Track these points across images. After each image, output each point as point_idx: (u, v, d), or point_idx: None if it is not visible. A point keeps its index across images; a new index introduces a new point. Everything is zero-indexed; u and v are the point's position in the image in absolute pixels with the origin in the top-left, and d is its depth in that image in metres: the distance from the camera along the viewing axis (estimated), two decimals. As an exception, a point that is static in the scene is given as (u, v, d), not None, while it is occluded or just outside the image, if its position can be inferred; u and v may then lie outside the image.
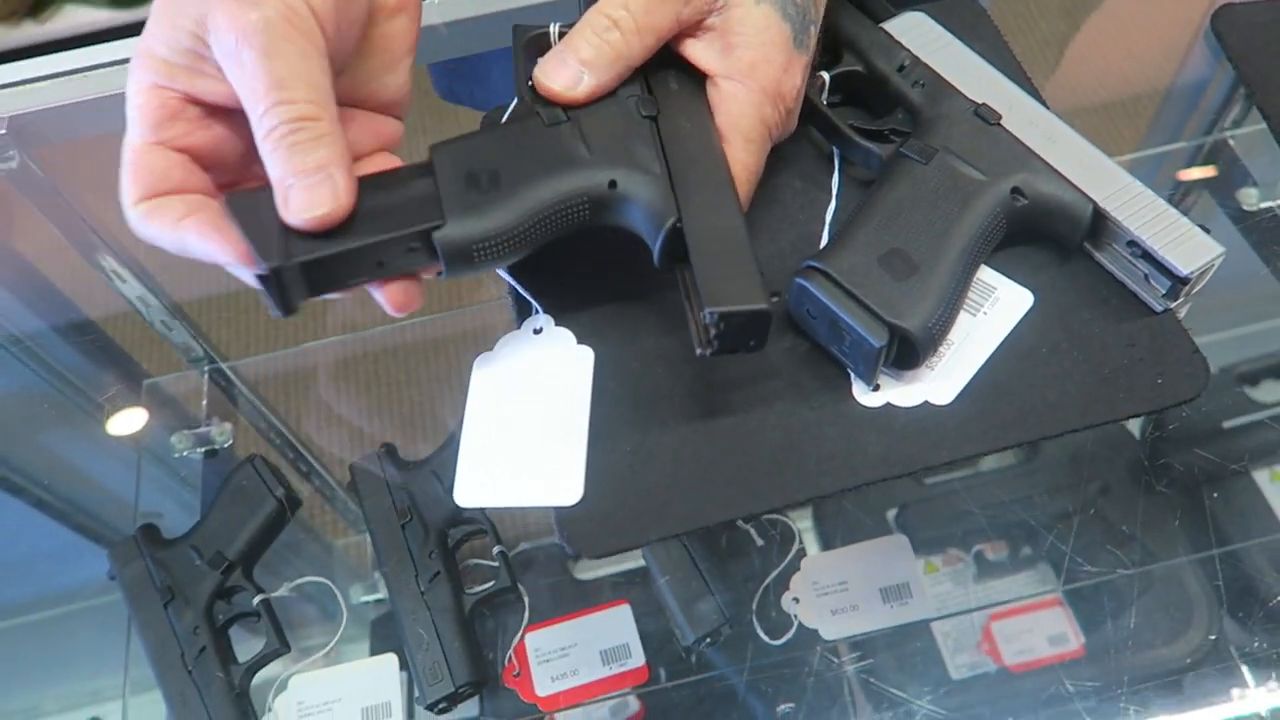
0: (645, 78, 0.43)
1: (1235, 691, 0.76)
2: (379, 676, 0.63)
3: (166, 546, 0.64)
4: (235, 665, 0.61)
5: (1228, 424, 0.87)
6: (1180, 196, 0.83)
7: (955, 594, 0.83)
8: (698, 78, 0.44)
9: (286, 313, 0.39)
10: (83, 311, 0.76)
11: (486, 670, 0.61)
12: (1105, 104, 0.86)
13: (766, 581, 0.63)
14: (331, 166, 0.38)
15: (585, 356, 0.44)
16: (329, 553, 0.78)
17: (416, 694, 0.60)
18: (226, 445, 0.74)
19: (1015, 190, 0.43)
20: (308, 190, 0.38)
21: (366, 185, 0.39)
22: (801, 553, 0.64)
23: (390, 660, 0.64)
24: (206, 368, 0.77)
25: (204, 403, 0.75)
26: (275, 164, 0.38)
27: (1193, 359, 0.41)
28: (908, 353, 0.41)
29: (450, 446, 0.66)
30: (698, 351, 0.39)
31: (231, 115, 0.40)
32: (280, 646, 0.62)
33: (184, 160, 0.40)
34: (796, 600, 0.63)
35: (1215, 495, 0.84)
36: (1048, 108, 0.47)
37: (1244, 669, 0.78)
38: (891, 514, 0.85)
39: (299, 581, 0.66)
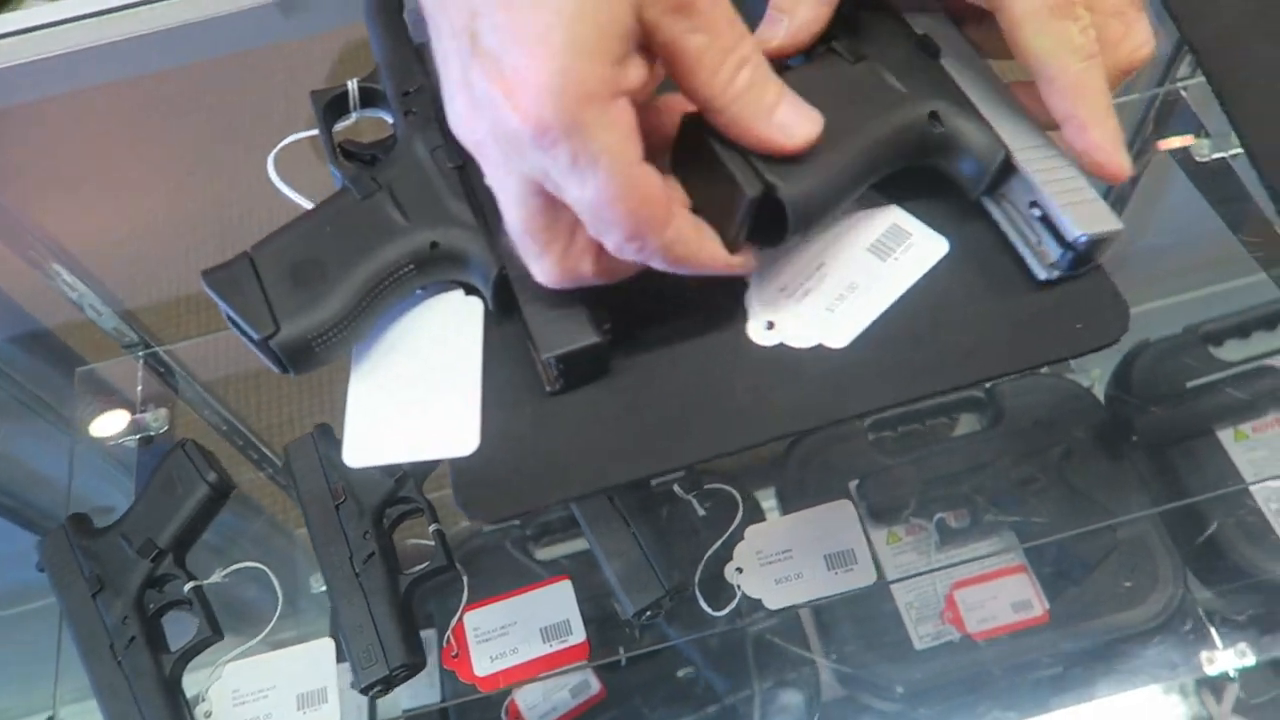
0: (441, 121, 0.41)
1: (1204, 653, 0.75)
2: (314, 662, 0.61)
3: (96, 536, 0.63)
4: (167, 655, 0.60)
5: (1191, 384, 0.86)
6: (1136, 149, 0.82)
7: (918, 563, 0.82)
8: None
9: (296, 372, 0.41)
10: (10, 297, 0.74)
11: (423, 652, 0.60)
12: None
13: (710, 552, 0.62)
14: (788, 92, 0.37)
15: (473, 307, 0.43)
16: (271, 537, 0.76)
17: (351, 678, 0.58)
18: (162, 431, 0.72)
19: (934, 115, 0.41)
20: (794, 113, 0.36)
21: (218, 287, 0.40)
22: (745, 521, 0.63)
23: (326, 645, 0.62)
24: (141, 353, 0.75)
25: (139, 389, 0.73)
26: (746, 105, 0.35)
27: (1114, 302, 0.39)
28: (777, 226, 0.38)
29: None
30: (548, 389, 0.40)
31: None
32: (212, 634, 0.61)
33: (663, 179, 0.35)
34: (740, 570, 0.62)
35: (1179, 456, 0.83)
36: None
37: (1211, 630, 0.78)
38: (854, 484, 0.84)
39: (233, 568, 0.65)
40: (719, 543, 0.62)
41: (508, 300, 0.41)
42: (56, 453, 0.71)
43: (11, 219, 0.67)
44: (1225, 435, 0.84)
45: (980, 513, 0.85)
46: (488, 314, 0.42)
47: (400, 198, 0.42)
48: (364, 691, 0.58)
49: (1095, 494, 0.82)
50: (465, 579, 0.62)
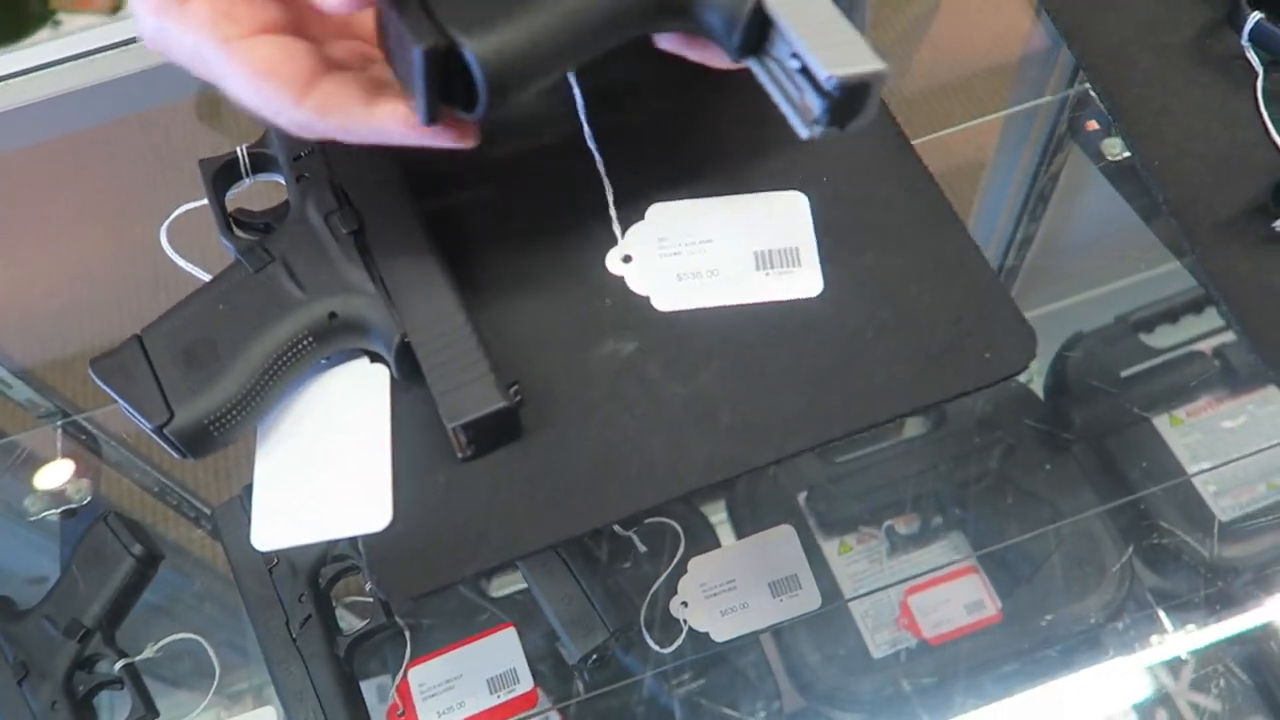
0: (338, 186, 0.42)
1: (1154, 637, 0.76)
2: (256, 733, 0.60)
3: (18, 619, 0.60)
4: (100, 738, 0.58)
5: (1125, 373, 0.87)
6: (1052, 151, 0.82)
7: (870, 571, 0.82)
8: (387, 158, 0.42)
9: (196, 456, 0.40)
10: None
11: (365, 716, 0.58)
12: (973, 66, 0.85)
13: (654, 589, 0.61)
14: None
15: (379, 374, 0.42)
16: (204, 605, 0.74)
17: (296, 749, 0.57)
18: (85, 502, 0.70)
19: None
20: None
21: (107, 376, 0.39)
22: (689, 554, 0.62)
23: (268, 714, 0.61)
24: (59, 422, 0.72)
25: (58, 459, 0.71)
26: None
27: (1020, 329, 0.39)
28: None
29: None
30: (459, 456, 0.40)
31: None
32: (147, 714, 0.59)
33: (293, 45, 0.36)
34: (685, 604, 0.61)
35: (1118, 445, 0.84)
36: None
37: (1161, 614, 0.79)
38: (802, 497, 0.84)
39: (166, 640, 0.63)
40: (661, 578, 0.61)
41: (412, 367, 0.40)
42: (-26, 533, 0.69)
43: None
44: (1161, 421, 0.86)
45: (929, 516, 0.86)
46: (393, 381, 0.41)
47: (295, 268, 0.40)
48: (307, 761, 0.57)
49: (1040, 489, 0.82)
50: (408, 635, 0.61)
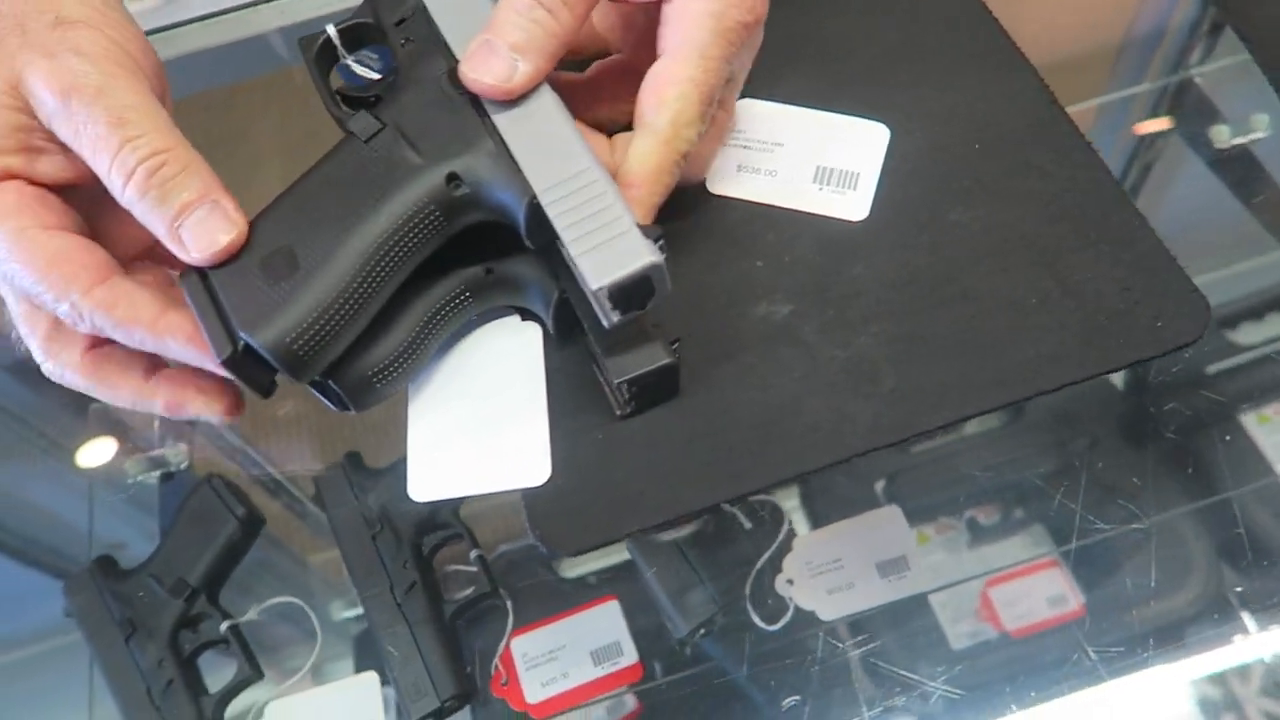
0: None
1: (1237, 638, 0.75)
2: (360, 696, 0.60)
3: (124, 578, 0.61)
4: (206, 697, 0.58)
5: (1211, 369, 0.86)
6: (1150, 139, 0.81)
7: (949, 563, 0.81)
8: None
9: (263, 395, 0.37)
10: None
11: (472, 682, 0.58)
12: (1070, 50, 0.84)
13: (759, 565, 0.61)
14: (213, 193, 0.35)
15: (531, 334, 0.41)
16: (305, 570, 0.74)
17: (400, 713, 0.57)
18: (183, 467, 0.70)
19: (452, 176, 0.36)
20: (200, 223, 0.34)
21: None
22: (792, 533, 0.62)
23: (371, 679, 0.61)
24: (156, 386, 0.73)
25: (155, 424, 0.71)
26: (150, 208, 0.34)
27: (1191, 298, 0.39)
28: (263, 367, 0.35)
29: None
30: (617, 413, 0.38)
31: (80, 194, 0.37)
32: (253, 673, 0.59)
33: (91, 245, 0.36)
34: (790, 582, 0.61)
35: (1203, 442, 0.82)
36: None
37: (1244, 616, 0.77)
38: (880, 485, 0.83)
39: (269, 603, 0.63)
40: (767, 554, 0.60)
41: (569, 324, 0.39)
42: (73, 494, 0.69)
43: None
44: (1248, 419, 0.84)
45: (1010, 508, 0.85)
46: (546, 338, 0.41)
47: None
48: (414, 726, 0.57)
49: (1123, 485, 0.81)
50: (509, 605, 0.61)
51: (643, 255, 0.33)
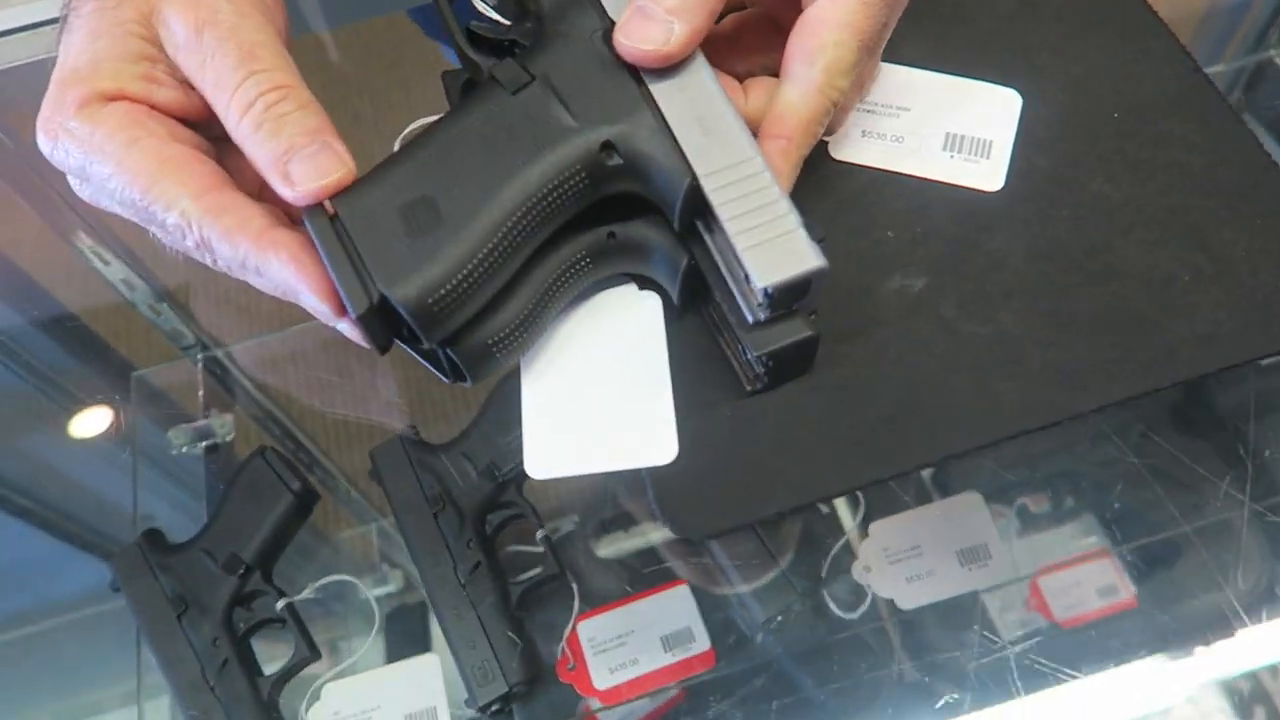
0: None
1: (1286, 633, 0.73)
2: (420, 679, 0.58)
3: (174, 552, 0.58)
4: (262, 678, 0.56)
5: (1267, 361, 0.84)
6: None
7: (1001, 551, 0.80)
8: None
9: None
10: (60, 299, 0.69)
11: (540, 666, 0.56)
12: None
13: (834, 551, 0.59)
14: (326, 133, 0.33)
15: (651, 303, 0.38)
16: (333, 548, 0.72)
17: (466, 697, 0.55)
18: (229, 439, 0.68)
19: (607, 145, 0.34)
20: (310, 159, 0.33)
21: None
22: (869, 518, 0.60)
23: (432, 661, 0.59)
24: (200, 355, 0.70)
25: (200, 393, 0.69)
26: (263, 140, 0.33)
27: (1356, 277, 0.36)
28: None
29: (480, 425, 0.60)
30: (747, 389, 0.36)
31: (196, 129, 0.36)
32: (310, 654, 0.57)
33: (204, 158, 0.35)
34: (868, 569, 0.59)
35: (1259, 434, 0.81)
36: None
37: (1298, 611, 0.76)
38: (928, 472, 0.81)
39: (323, 581, 0.61)
40: (842, 540, 0.59)
41: (694, 293, 0.37)
42: (116, 465, 0.67)
43: (62, 209, 0.62)
44: (1302, 409, 0.82)
45: (1061, 497, 0.83)
46: (667, 309, 0.38)
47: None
48: (482, 710, 0.55)
49: (1177, 475, 0.80)
50: (575, 587, 0.59)
51: (810, 258, 0.32)
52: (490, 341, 0.35)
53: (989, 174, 0.40)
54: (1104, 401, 0.35)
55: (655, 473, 0.35)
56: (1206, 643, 0.77)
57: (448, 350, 0.34)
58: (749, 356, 0.35)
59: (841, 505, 0.62)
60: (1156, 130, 0.40)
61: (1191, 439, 0.82)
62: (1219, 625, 0.77)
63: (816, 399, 0.36)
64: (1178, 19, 0.81)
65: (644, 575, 0.60)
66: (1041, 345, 0.36)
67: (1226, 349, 0.36)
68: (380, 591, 0.72)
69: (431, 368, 0.36)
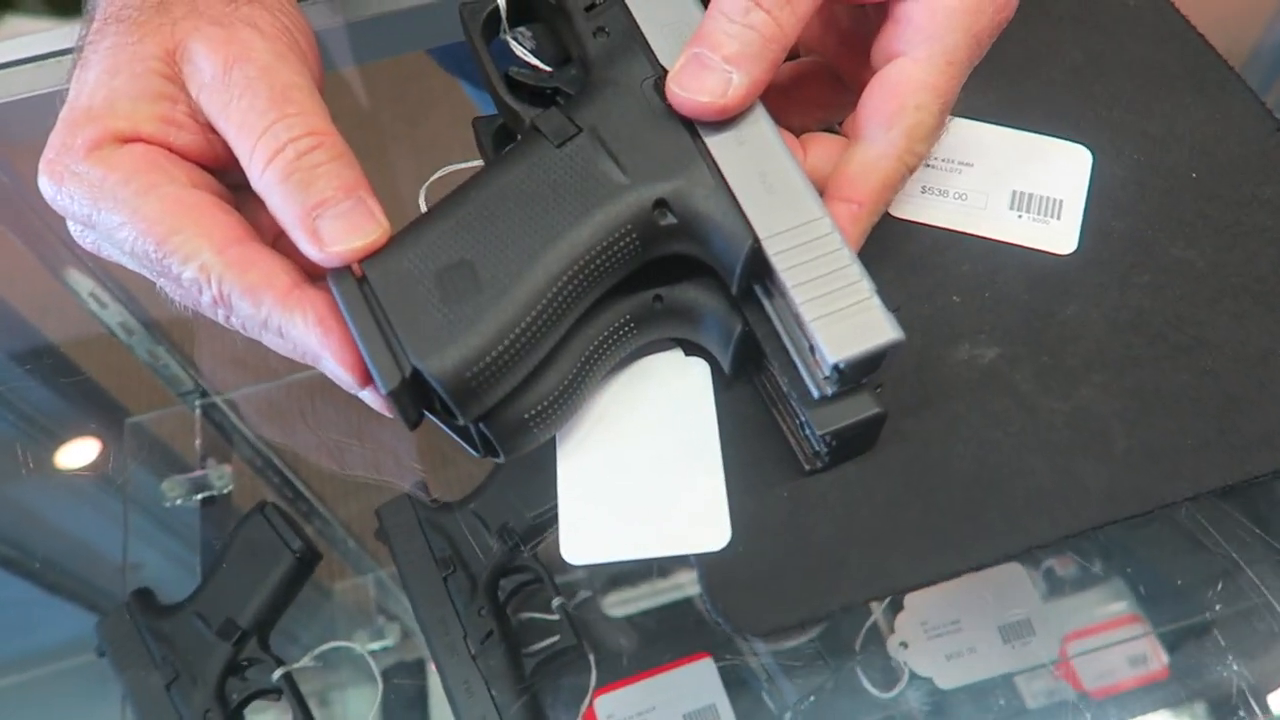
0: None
1: (1319, 706, 0.70)
2: (426, 757, 0.54)
3: (165, 615, 0.55)
4: (256, 755, 0.52)
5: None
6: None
7: (1025, 616, 0.76)
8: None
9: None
10: (53, 341, 0.66)
11: (557, 745, 0.53)
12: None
13: (868, 624, 0.55)
14: (361, 189, 0.31)
15: (699, 371, 0.35)
16: (361, 613, 0.69)
17: (476, 778, 0.51)
18: (226, 491, 0.64)
19: (661, 203, 0.32)
20: (342, 217, 0.30)
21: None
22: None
23: (438, 738, 0.55)
24: (199, 402, 0.67)
25: (198, 442, 0.65)
26: (291, 191, 0.30)
27: None
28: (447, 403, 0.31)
29: (493, 483, 0.57)
30: (806, 468, 0.33)
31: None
32: (309, 729, 0.53)
33: (226, 206, 0.32)
34: (904, 645, 0.55)
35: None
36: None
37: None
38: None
39: (324, 648, 0.57)
40: (878, 611, 0.55)
41: (747, 361, 0.34)
42: (106, 515, 0.63)
43: (56, 247, 0.59)
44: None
45: (1089, 560, 0.80)
46: (716, 378, 0.35)
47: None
48: (494, 792, 0.51)
49: (1209, 539, 0.77)
50: (593, 658, 0.55)
51: (886, 330, 0.29)
52: (527, 416, 0.32)
53: (1061, 236, 0.38)
54: (1198, 490, 0.32)
55: (706, 560, 0.32)
56: (1241, 715, 0.73)
57: (479, 424, 0.31)
58: (810, 434, 0.32)
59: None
60: (1240, 193, 0.38)
61: (1225, 500, 0.80)
62: (1259, 699, 0.74)
63: (881, 479, 0.33)
64: (1229, 49, 0.80)
65: (666, 644, 0.56)
66: (1127, 424, 0.33)
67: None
68: (376, 645, 0.69)
69: (461, 441, 0.33)
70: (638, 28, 0.33)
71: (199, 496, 0.63)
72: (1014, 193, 0.39)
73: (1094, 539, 0.78)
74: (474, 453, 0.33)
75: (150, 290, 0.62)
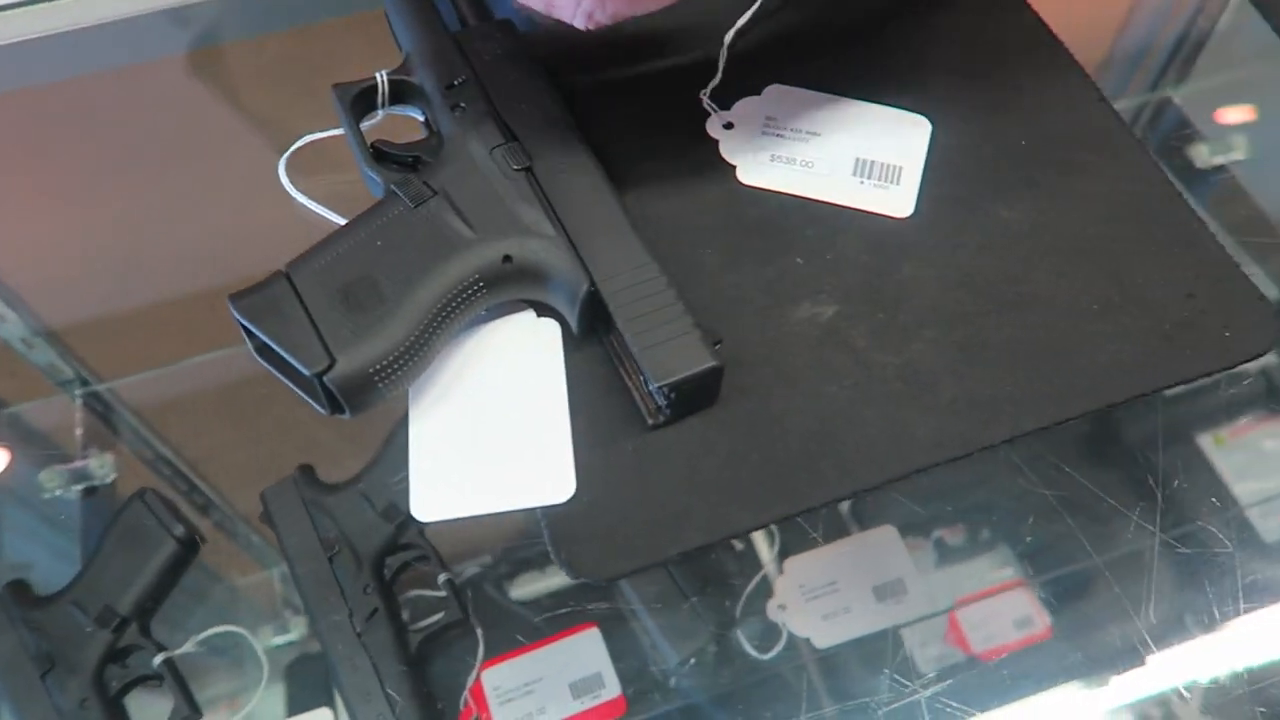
0: (502, 119, 0.38)
1: (1195, 661, 0.74)
2: (313, 736, 0.54)
3: (41, 605, 0.54)
4: (136, 740, 0.51)
5: (1169, 391, 0.86)
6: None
7: (918, 584, 0.79)
8: (559, 104, 0.39)
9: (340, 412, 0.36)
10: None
11: (440, 718, 0.53)
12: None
13: (749, 589, 0.57)
14: None
15: (549, 331, 0.37)
16: (247, 596, 0.68)
17: (360, 754, 0.51)
18: (108, 481, 0.63)
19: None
20: None
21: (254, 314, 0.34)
22: (784, 553, 0.58)
23: (323, 716, 0.55)
24: (79, 391, 0.66)
25: (78, 432, 0.64)
26: None
27: (1259, 306, 0.37)
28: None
29: (380, 463, 0.57)
30: (649, 422, 0.36)
31: None
32: (190, 713, 0.53)
33: None
34: (783, 607, 0.57)
35: (1163, 464, 0.82)
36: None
37: (1201, 638, 0.77)
38: (845, 506, 0.80)
39: (207, 634, 0.57)
40: (758, 577, 0.57)
41: (593, 321, 0.35)
42: (-20, 508, 0.61)
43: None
44: (1205, 441, 0.84)
45: (977, 529, 0.83)
46: (566, 337, 0.36)
47: (461, 205, 0.36)
48: (378, 768, 0.51)
49: (1087, 505, 0.81)
50: (480, 632, 0.56)
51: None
52: (371, 371, 0.32)
53: (899, 201, 0.40)
54: (1015, 433, 0.34)
55: (551, 512, 0.33)
56: (1118, 670, 0.77)
57: (322, 380, 0.32)
58: (651, 387, 0.33)
59: (758, 540, 0.60)
60: (1064, 159, 0.40)
61: (1103, 470, 0.83)
62: (1130, 653, 0.78)
63: (723, 432, 0.35)
64: (1082, 59, 0.84)
65: (556, 618, 0.57)
66: (954, 375, 0.35)
67: (1133, 379, 0.35)
68: (282, 640, 0.68)
69: (308, 398, 0.34)
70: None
71: (79, 487, 0.62)
72: (857, 160, 0.40)
73: (982, 511, 0.81)
74: (321, 410, 0.34)
75: (22, 276, 0.61)
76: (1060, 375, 0.35)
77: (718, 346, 0.34)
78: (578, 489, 0.33)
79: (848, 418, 0.35)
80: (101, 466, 0.63)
